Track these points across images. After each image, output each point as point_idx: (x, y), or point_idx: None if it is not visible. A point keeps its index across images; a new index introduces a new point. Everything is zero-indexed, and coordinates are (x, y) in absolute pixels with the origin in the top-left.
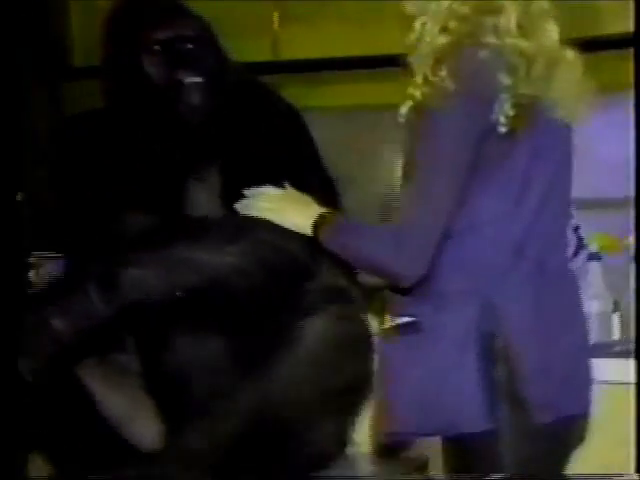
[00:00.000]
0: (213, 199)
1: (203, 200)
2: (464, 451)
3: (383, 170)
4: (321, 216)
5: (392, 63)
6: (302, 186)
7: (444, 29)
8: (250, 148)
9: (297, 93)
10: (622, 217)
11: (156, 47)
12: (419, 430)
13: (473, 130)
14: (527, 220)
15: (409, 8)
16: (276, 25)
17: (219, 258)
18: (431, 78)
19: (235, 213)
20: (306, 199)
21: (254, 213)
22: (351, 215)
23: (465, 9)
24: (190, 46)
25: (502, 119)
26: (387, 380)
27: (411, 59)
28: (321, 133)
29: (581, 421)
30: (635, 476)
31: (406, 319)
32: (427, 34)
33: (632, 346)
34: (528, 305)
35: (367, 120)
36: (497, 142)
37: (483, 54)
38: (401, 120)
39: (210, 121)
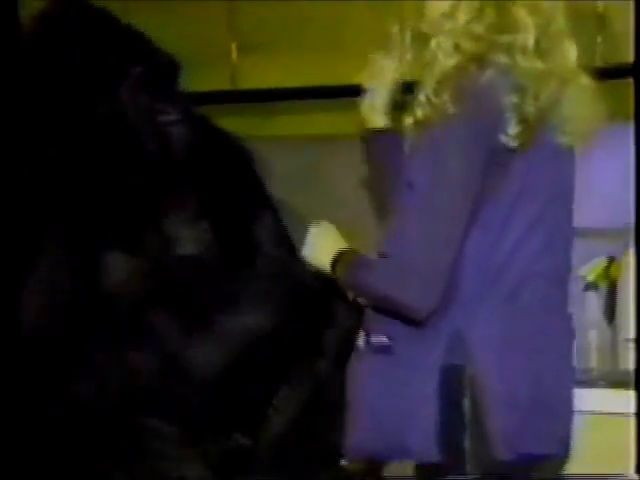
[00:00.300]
0: (196, 234)
1: (186, 235)
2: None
3: (339, 198)
4: (339, 253)
5: (348, 93)
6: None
7: (456, 49)
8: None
9: (255, 122)
10: (620, 246)
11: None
12: (374, 451)
13: (475, 152)
14: (507, 251)
15: (424, 28)
16: (234, 55)
17: (258, 320)
18: (433, 100)
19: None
20: (335, 236)
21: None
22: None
23: (480, 29)
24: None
25: (507, 135)
26: (352, 395)
27: (425, 77)
28: (278, 162)
29: (552, 461)
30: (635, 476)
31: (380, 339)
32: (441, 52)
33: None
34: (497, 337)
35: (323, 149)
36: (493, 170)
37: (488, 74)
38: (407, 145)
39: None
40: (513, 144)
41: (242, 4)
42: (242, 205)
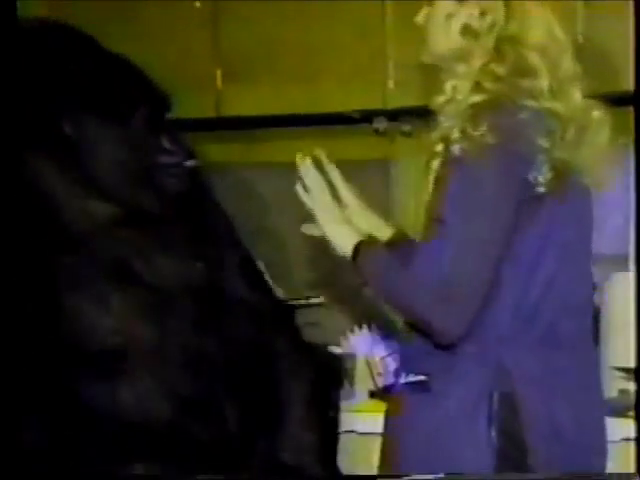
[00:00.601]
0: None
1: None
2: None
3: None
4: (364, 241)
5: (331, 121)
6: (223, 263)
7: (477, 88)
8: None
9: (239, 149)
10: (602, 274)
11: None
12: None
13: (511, 184)
14: (541, 285)
15: (428, 59)
16: (219, 82)
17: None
18: (471, 132)
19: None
20: (360, 221)
21: (312, 205)
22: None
23: (501, 70)
24: None
25: (540, 180)
26: (395, 433)
27: (441, 118)
28: (261, 188)
29: None
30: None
31: (417, 377)
32: (458, 93)
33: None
34: (539, 369)
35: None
36: (524, 205)
37: (523, 114)
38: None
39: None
40: (543, 189)
41: (227, 32)
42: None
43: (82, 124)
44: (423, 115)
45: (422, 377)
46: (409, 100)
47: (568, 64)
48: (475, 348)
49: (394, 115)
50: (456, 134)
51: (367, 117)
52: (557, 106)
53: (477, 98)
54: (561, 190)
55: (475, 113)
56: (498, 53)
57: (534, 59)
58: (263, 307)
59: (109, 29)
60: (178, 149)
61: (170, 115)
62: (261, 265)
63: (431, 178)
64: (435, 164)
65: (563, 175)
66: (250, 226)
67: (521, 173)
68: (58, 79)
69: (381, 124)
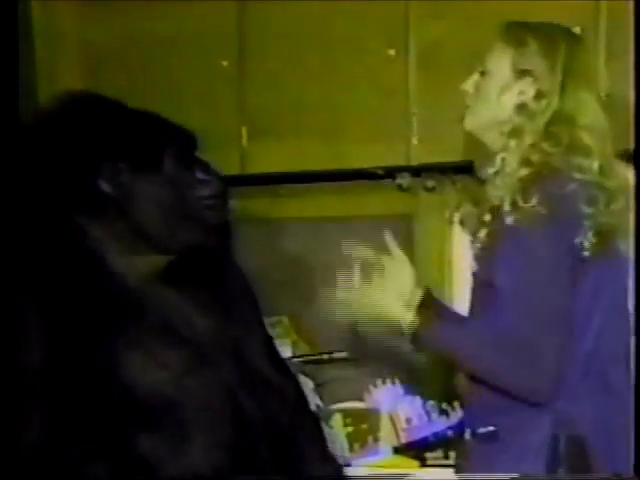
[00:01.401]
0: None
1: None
2: None
3: (344, 280)
4: (426, 319)
5: (355, 177)
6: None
7: (526, 162)
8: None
9: (263, 205)
10: None
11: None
12: None
13: (562, 249)
14: (592, 337)
15: (488, 144)
16: (244, 140)
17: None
18: (522, 205)
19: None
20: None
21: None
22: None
23: (554, 150)
24: None
25: (586, 244)
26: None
27: (489, 188)
28: (285, 244)
29: None
30: (635, 479)
31: (486, 429)
32: (507, 166)
33: None
34: (599, 414)
35: (330, 232)
36: (577, 266)
37: (570, 184)
38: (478, 246)
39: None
40: (588, 253)
41: (252, 90)
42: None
43: (116, 180)
44: (446, 171)
45: (491, 428)
46: (432, 157)
47: (610, 143)
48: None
49: (417, 171)
50: (507, 207)
51: (390, 173)
52: (604, 180)
53: (525, 171)
54: (606, 254)
55: (525, 186)
56: (550, 133)
57: (586, 139)
58: (286, 389)
59: (136, 88)
60: (213, 179)
61: (198, 152)
62: (285, 319)
63: (477, 246)
64: (483, 233)
65: (608, 240)
66: (274, 280)
67: (569, 238)
68: (91, 142)
69: (404, 180)
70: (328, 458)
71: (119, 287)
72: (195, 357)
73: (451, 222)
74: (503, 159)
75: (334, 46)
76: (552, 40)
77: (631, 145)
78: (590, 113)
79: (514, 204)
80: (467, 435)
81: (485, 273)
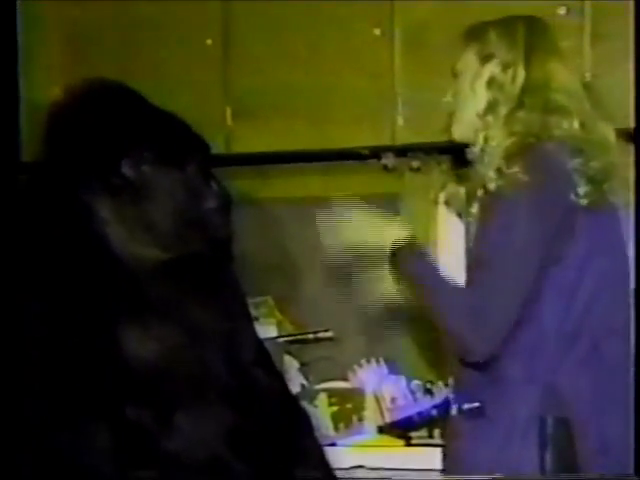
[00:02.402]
0: None
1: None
2: None
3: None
4: (411, 243)
5: (340, 157)
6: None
7: (510, 133)
8: None
9: (248, 185)
10: None
11: None
12: None
13: (547, 216)
14: (581, 309)
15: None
16: (229, 120)
17: None
18: (505, 171)
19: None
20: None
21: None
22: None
23: (528, 115)
24: None
25: (577, 195)
26: (453, 457)
27: (478, 167)
28: (271, 224)
29: None
30: (635, 479)
31: (471, 405)
32: (491, 141)
33: None
34: (587, 386)
35: (315, 212)
36: (562, 232)
37: (551, 144)
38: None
39: None
40: (584, 202)
41: (237, 70)
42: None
43: (139, 167)
44: (431, 151)
45: (476, 404)
46: (417, 137)
47: (588, 104)
48: (522, 372)
49: (403, 151)
50: (491, 174)
51: (376, 153)
52: (586, 135)
53: (508, 142)
54: (602, 206)
55: (508, 154)
56: (524, 102)
57: (562, 100)
58: (275, 393)
59: (120, 67)
60: (222, 193)
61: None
62: (269, 300)
63: (469, 221)
64: (475, 209)
65: (602, 189)
66: (260, 261)
67: (559, 202)
68: (123, 124)
69: (390, 160)
70: (320, 462)
71: (119, 268)
72: (190, 336)
73: (436, 202)
74: (485, 136)
75: (319, 25)
76: (509, 23)
77: (631, 124)
78: (561, 78)
79: (498, 171)
80: (453, 411)
81: (475, 247)
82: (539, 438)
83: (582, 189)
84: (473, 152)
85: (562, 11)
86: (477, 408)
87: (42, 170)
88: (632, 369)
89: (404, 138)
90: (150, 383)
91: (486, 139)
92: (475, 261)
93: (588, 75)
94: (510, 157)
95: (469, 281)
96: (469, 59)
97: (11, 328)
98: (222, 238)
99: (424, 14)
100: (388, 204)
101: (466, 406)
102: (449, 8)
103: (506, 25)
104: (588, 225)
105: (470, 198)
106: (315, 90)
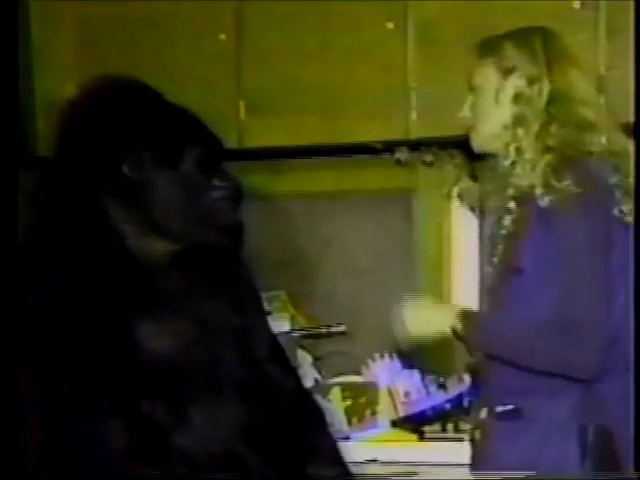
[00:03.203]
0: None
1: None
2: None
3: (343, 255)
4: (463, 312)
5: (353, 151)
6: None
7: (546, 149)
8: None
9: (261, 180)
10: None
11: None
12: None
13: (601, 227)
14: (617, 315)
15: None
16: (242, 114)
17: None
18: (556, 185)
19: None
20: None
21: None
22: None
23: (564, 130)
24: None
25: (622, 212)
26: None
27: (514, 180)
28: (284, 218)
29: None
30: (635, 475)
31: (507, 407)
32: (526, 153)
33: None
34: (624, 389)
35: (327, 206)
36: (610, 243)
37: (594, 159)
38: (503, 232)
39: None
40: (629, 219)
41: (250, 65)
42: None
43: (139, 168)
44: (445, 146)
45: (510, 406)
46: (431, 131)
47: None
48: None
49: (416, 146)
50: (540, 189)
51: (389, 148)
52: (616, 150)
53: (549, 157)
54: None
55: (555, 168)
56: (552, 115)
57: (588, 114)
58: (289, 389)
59: (133, 63)
60: (228, 186)
61: (221, 156)
62: (282, 294)
63: (501, 233)
64: (507, 221)
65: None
66: (273, 256)
67: (606, 212)
68: (122, 128)
69: (403, 154)
70: (334, 457)
71: (134, 263)
72: (204, 331)
73: (450, 196)
74: (517, 148)
75: (332, 20)
76: (525, 35)
77: (631, 118)
78: (582, 88)
79: (547, 185)
80: (483, 414)
81: (512, 259)
82: (580, 447)
83: (627, 206)
84: (503, 165)
85: (577, 6)
86: (513, 410)
87: (56, 167)
88: (632, 369)
89: (417, 132)
90: (165, 378)
91: (518, 151)
92: (531, 281)
93: (603, 69)
94: (557, 171)
95: (532, 306)
96: (488, 73)
97: (26, 322)
98: (230, 226)
99: (437, 8)
100: (401, 198)
101: (499, 408)
102: (463, 2)
103: (522, 37)
104: (621, 237)
105: (499, 209)
106: (328, 85)
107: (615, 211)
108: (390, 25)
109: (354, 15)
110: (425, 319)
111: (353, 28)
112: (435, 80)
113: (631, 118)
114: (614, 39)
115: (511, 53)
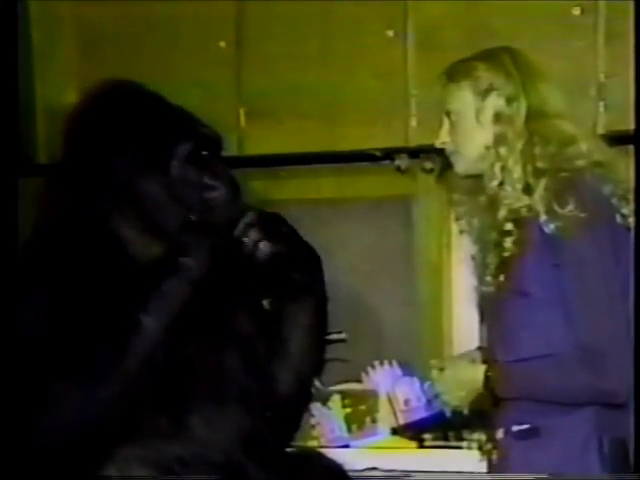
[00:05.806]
0: None
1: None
2: None
3: (343, 262)
4: (488, 367)
5: (353, 158)
6: None
7: (539, 172)
8: None
9: (261, 186)
10: None
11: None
12: None
13: (608, 245)
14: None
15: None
16: (242, 121)
17: None
18: (560, 211)
19: None
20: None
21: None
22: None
23: (546, 149)
24: None
25: (624, 217)
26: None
27: (506, 200)
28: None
29: None
30: (634, 476)
31: (524, 426)
32: (514, 173)
33: None
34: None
35: (327, 213)
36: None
37: (586, 178)
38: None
39: None
40: (630, 223)
41: (250, 72)
42: None
43: (127, 175)
44: (444, 153)
45: (526, 426)
46: (430, 138)
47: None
48: None
49: (415, 153)
50: (544, 216)
51: (389, 155)
52: (601, 158)
53: (545, 181)
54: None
55: (557, 193)
56: (531, 131)
57: (566, 128)
58: (286, 388)
59: (133, 69)
60: (220, 184)
61: (218, 153)
62: None
63: (503, 255)
64: (508, 243)
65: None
66: None
67: (611, 228)
68: (109, 136)
69: (403, 161)
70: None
71: (136, 270)
72: (208, 339)
73: (449, 204)
74: (503, 167)
75: (332, 27)
76: (494, 55)
77: (631, 125)
78: (555, 102)
79: (550, 212)
80: (500, 434)
81: (517, 283)
82: (600, 461)
83: (626, 210)
84: (492, 187)
85: (576, 11)
86: (530, 429)
87: (60, 174)
88: (632, 369)
89: (417, 139)
90: (166, 386)
91: (505, 171)
92: (549, 304)
93: (602, 76)
94: (558, 196)
95: (551, 337)
96: (465, 96)
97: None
98: (220, 223)
99: (437, 14)
100: (401, 205)
101: (515, 428)
102: (462, 8)
103: (492, 57)
104: (626, 243)
105: (495, 230)
106: (328, 91)
107: (617, 218)
108: (390, 32)
109: (354, 21)
110: (459, 387)
111: (353, 34)
112: (435, 86)
113: (631, 125)
114: (614, 45)
115: (486, 74)
